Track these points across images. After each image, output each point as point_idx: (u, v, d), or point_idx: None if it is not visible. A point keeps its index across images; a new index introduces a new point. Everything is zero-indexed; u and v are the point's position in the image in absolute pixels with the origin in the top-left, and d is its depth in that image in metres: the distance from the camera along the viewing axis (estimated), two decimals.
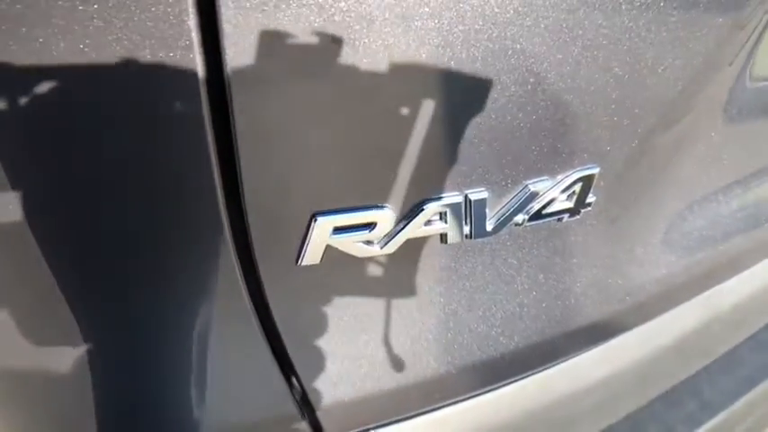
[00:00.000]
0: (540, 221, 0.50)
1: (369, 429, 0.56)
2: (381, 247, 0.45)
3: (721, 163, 0.67)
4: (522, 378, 0.62)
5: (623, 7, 0.43)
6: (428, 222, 0.45)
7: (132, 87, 0.35)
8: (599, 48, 0.44)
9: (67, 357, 0.43)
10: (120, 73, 0.34)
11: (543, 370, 0.63)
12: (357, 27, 0.36)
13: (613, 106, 0.48)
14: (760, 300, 0.94)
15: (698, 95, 0.55)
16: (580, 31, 0.43)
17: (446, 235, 0.47)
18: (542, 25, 0.41)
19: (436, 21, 0.38)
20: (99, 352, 0.44)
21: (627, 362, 0.74)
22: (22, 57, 0.32)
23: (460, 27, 0.39)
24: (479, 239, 0.49)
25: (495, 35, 0.40)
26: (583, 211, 0.51)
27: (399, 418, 0.57)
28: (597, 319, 0.61)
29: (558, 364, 0.64)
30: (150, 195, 0.39)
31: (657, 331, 0.76)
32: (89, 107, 0.35)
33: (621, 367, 0.73)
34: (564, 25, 0.42)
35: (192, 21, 0.34)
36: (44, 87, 0.34)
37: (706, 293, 0.80)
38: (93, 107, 0.35)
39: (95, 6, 0.32)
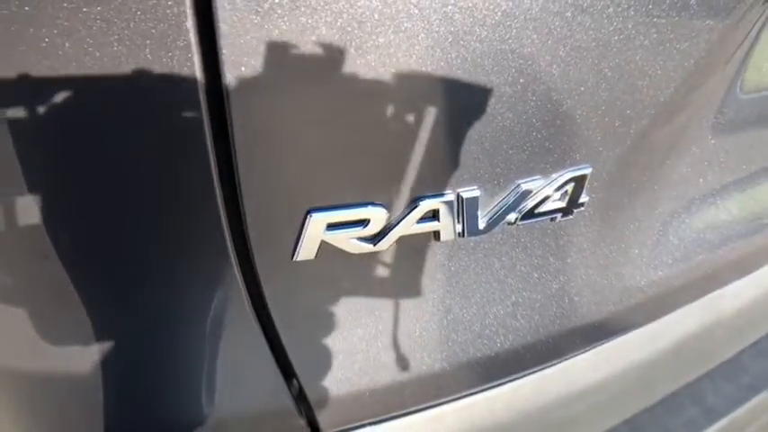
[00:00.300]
0: (533, 220, 0.51)
1: (364, 425, 0.57)
2: (375, 244, 0.46)
3: (717, 166, 0.67)
4: (519, 378, 0.62)
5: (611, 10, 0.44)
6: (420, 220, 0.46)
7: (133, 86, 0.36)
8: (589, 49, 0.45)
9: (64, 355, 0.44)
10: (121, 72, 0.35)
11: (540, 370, 0.64)
12: (349, 29, 0.38)
13: (604, 107, 0.49)
14: (764, 305, 0.93)
15: (691, 97, 0.55)
16: (569, 33, 0.44)
17: (439, 233, 0.47)
18: (533, 27, 0.42)
19: (427, 22, 0.39)
20: (96, 350, 0.45)
21: (626, 364, 0.74)
22: (29, 57, 0.34)
23: (451, 29, 0.40)
24: (473, 238, 0.50)
25: (485, 36, 0.41)
26: (576, 210, 0.52)
27: (395, 414, 0.58)
28: (592, 320, 0.61)
29: (554, 364, 0.64)
30: (150, 193, 0.41)
31: (657, 334, 0.76)
32: (92, 105, 0.37)
33: (620, 370, 0.73)
34: (554, 27, 0.43)
35: (189, 22, 0.35)
36: (49, 87, 0.35)
37: (707, 297, 0.80)
38: (96, 105, 0.37)
39: (98, 8, 0.33)
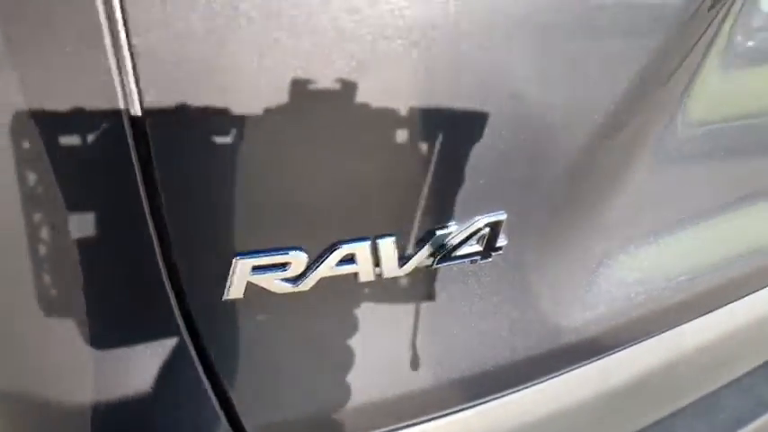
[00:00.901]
0: (451, 263, 0.54)
1: None
2: (297, 285, 0.50)
3: (658, 205, 0.70)
4: (448, 414, 0.65)
5: (524, 47, 0.48)
6: (339, 263, 0.51)
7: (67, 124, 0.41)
8: (501, 93, 0.49)
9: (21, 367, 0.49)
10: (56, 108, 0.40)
11: (481, 404, 0.66)
12: (259, 85, 0.42)
13: (514, 153, 0.52)
14: (732, 343, 0.94)
15: (620, 137, 0.59)
16: (479, 74, 0.47)
17: (358, 274, 0.52)
18: (443, 69, 0.46)
19: (322, 79, 0.43)
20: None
21: (576, 401, 0.75)
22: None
23: (358, 85, 0.44)
24: (393, 278, 0.54)
25: (393, 81, 0.45)
26: (494, 254, 0.56)
27: None
28: (524, 357, 0.64)
29: (496, 398, 0.67)
30: (90, 226, 0.45)
31: (609, 371, 0.77)
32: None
33: (571, 406, 0.75)
34: (465, 67, 0.47)
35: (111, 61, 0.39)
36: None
37: (665, 335, 0.82)
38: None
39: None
